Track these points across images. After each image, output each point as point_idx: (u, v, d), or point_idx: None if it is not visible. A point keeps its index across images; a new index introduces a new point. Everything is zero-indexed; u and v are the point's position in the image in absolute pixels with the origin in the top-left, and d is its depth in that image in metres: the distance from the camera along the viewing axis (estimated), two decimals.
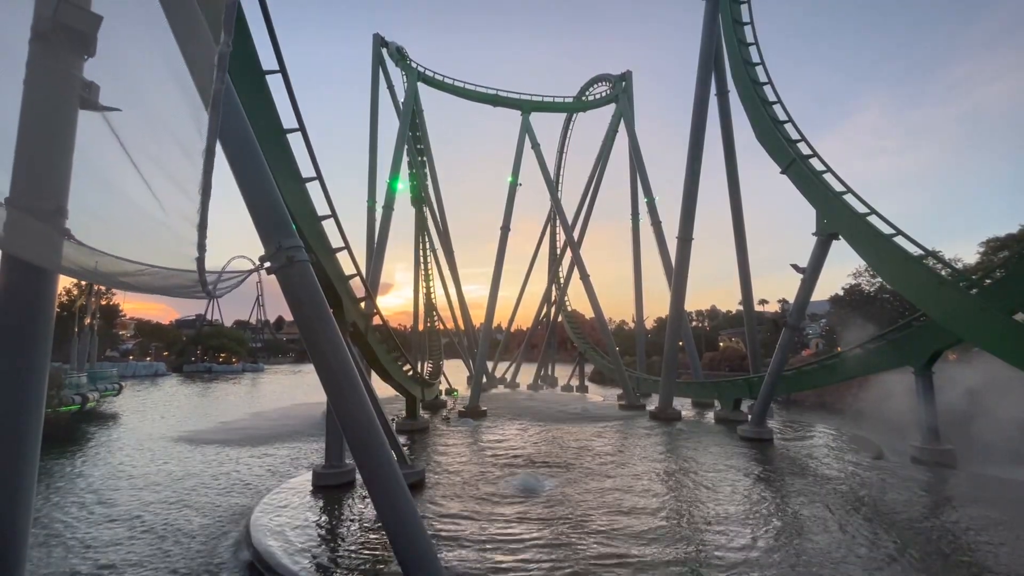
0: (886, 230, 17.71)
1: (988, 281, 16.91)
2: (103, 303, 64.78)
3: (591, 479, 14.71)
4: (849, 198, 19.06)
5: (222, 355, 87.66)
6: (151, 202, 2.91)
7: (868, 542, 9.82)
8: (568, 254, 43.89)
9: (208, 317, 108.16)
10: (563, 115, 48.19)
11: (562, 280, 49.33)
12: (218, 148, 3.04)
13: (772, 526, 10.79)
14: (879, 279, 38.48)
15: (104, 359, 66.32)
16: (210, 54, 2.95)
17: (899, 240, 17.45)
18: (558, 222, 45.56)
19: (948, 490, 14.04)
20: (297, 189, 11.97)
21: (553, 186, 40.37)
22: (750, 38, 25.05)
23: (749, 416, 22.98)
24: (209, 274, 3.18)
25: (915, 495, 13.33)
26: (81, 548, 9.79)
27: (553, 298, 51.14)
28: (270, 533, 9.94)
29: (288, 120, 11.20)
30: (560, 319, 51.81)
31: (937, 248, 30.33)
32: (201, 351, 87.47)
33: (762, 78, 23.70)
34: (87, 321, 39.46)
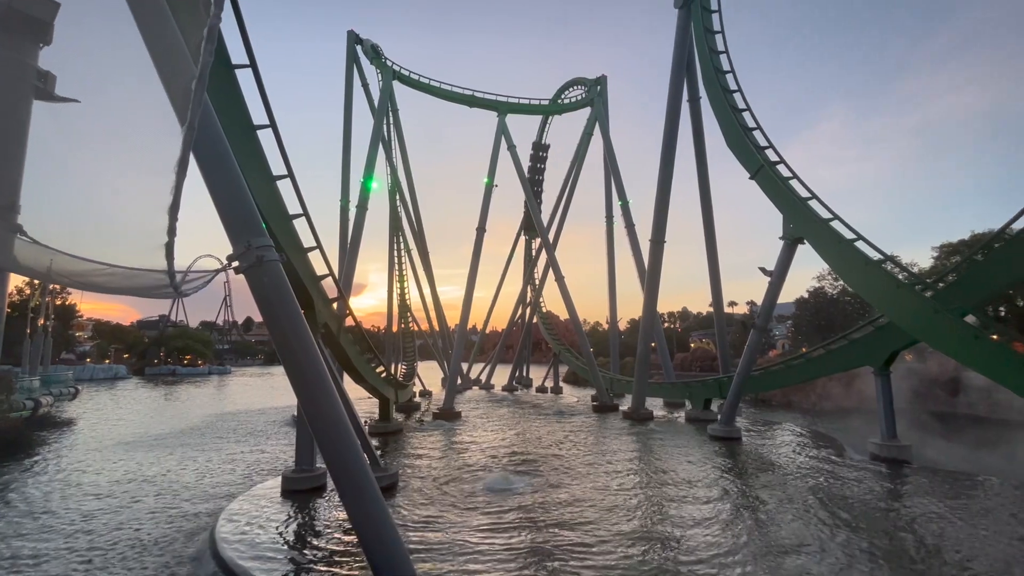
0: (848, 235, 18.40)
1: (941, 285, 17.75)
2: (58, 303, 61.86)
3: (565, 478, 14.80)
4: (814, 204, 19.73)
5: (187, 357, 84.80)
6: (114, 197, 2.78)
7: (825, 530, 10.38)
8: (543, 256, 44.14)
9: (172, 318, 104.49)
10: (539, 117, 48.46)
11: (537, 281, 49.55)
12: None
13: (739, 517, 11.09)
14: (841, 282, 39.93)
15: (59, 362, 63.33)
16: (176, 43, 2.84)
17: (860, 245, 18.16)
18: (533, 223, 45.78)
19: (900, 485, 14.67)
20: (267, 187, 11.68)
21: (529, 188, 40.55)
22: (721, 47, 25.71)
23: (719, 415, 23.53)
24: (176, 273, 3.06)
25: (870, 489, 13.89)
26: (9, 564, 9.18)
27: (528, 299, 51.31)
28: (236, 543, 9.63)
29: (258, 116, 10.93)
30: (535, 320, 52.02)
31: (895, 253, 31.80)
32: (164, 353, 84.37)
33: (732, 86, 24.34)
34: (41, 322, 37.64)
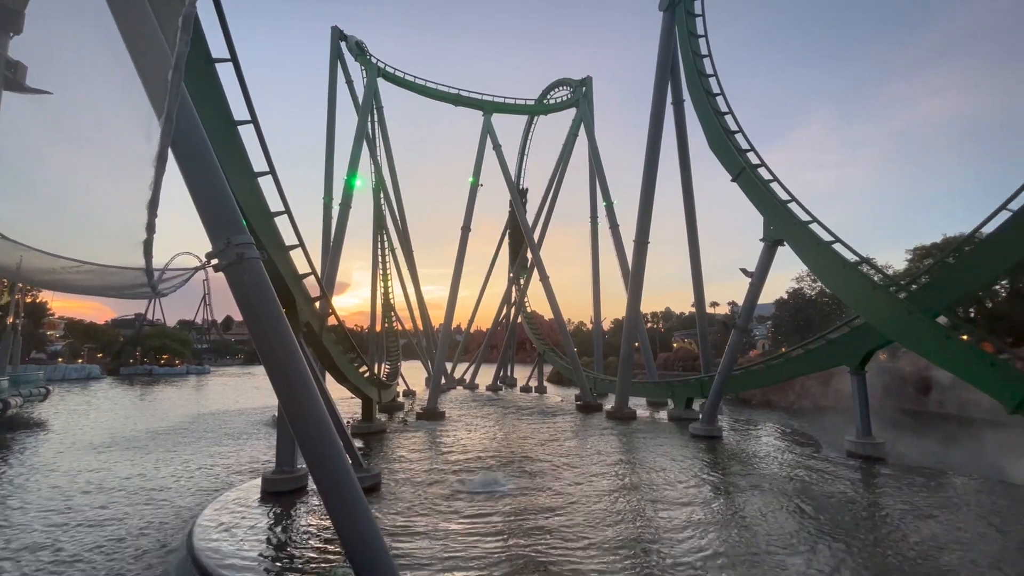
0: (826, 237, 18.80)
1: (914, 287, 18.26)
2: (28, 300, 59.97)
3: (549, 479, 14.85)
4: (793, 206, 20.11)
5: (164, 357, 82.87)
6: (88, 192, 2.70)
7: (802, 526, 10.67)
8: (528, 255, 44.21)
9: (149, 316, 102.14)
10: (525, 117, 48.52)
11: (522, 281, 49.60)
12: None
13: (719, 515, 11.29)
14: (819, 283, 40.78)
15: (29, 361, 61.41)
16: (153, 33, 2.76)
17: (837, 247, 18.56)
18: (519, 222, 45.81)
19: (874, 481, 15.07)
20: (249, 183, 11.50)
21: (514, 188, 40.55)
22: (704, 50, 26.04)
23: (701, 415, 23.84)
24: (153, 271, 2.97)
25: (845, 486, 14.25)
26: None
27: (513, 299, 51.34)
28: (213, 546, 9.46)
29: (240, 112, 10.75)
30: (520, 320, 52.06)
31: (871, 255, 32.61)
32: (140, 353, 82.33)
33: (715, 89, 24.67)
34: (9, 320, 36.43)
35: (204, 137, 5.23)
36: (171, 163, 5.16)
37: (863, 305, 17.17)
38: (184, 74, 5.71)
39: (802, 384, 36.30)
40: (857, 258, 18.62)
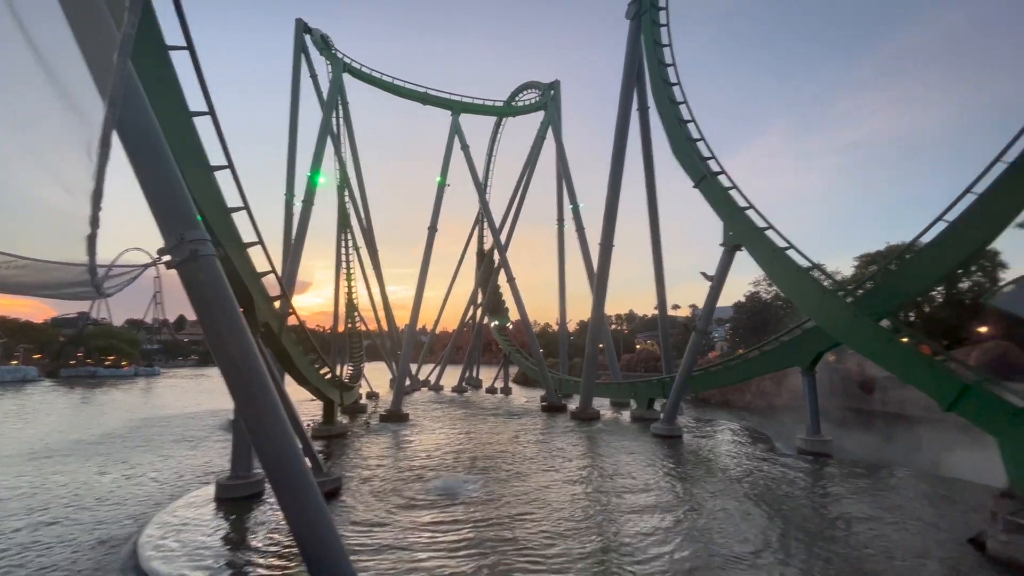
0: (781, 243, 19.60)
1: (861, 291, 19.25)
2: None
3: (514, 479, 14.88)
4: (751, 213, 20.85)
5: (110, 358, 78.42)
6: (26, 183, 2.51)
7: (754, 519, 11.08)
8: (495, 256, 44.20)
9: (94, 315, 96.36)
10: (493, 119, 48.53)
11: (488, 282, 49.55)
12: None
13: (677, 510, 11.59)
14: (775, 288, 42.46)
15: None
16: (99, 12, 2.59)
17: (791, 253, 19.38)
18: (486, 224, 45.78)
19: (821, 476, 15.83)
20: (205, 176, 11.02)
21: (482, 188, 40.46)
22: (669, 60, 26.70)
23: (662, 415, 24.40)
24: (99, 268, 2.78)
25: (793, 481, 14.92)
26: None
27: (479, 300, 51.19)
28: (161, 557, 9.01)
29: (196, 103, 10.28)
30: (486, 321, 51.97)
31: (822, 261, 34.19)
32: (84, 353, 77.61)
33: (679, 98, 25.33)
34: None
35: (156, 126, 4.98)
36: (122, 155, 4.90)
37: (814, 309, 17.99)
38: (136, 61, 5.43)
39: (758, 384, 37.70)
40: (809, 264, 19.49)
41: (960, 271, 35.90)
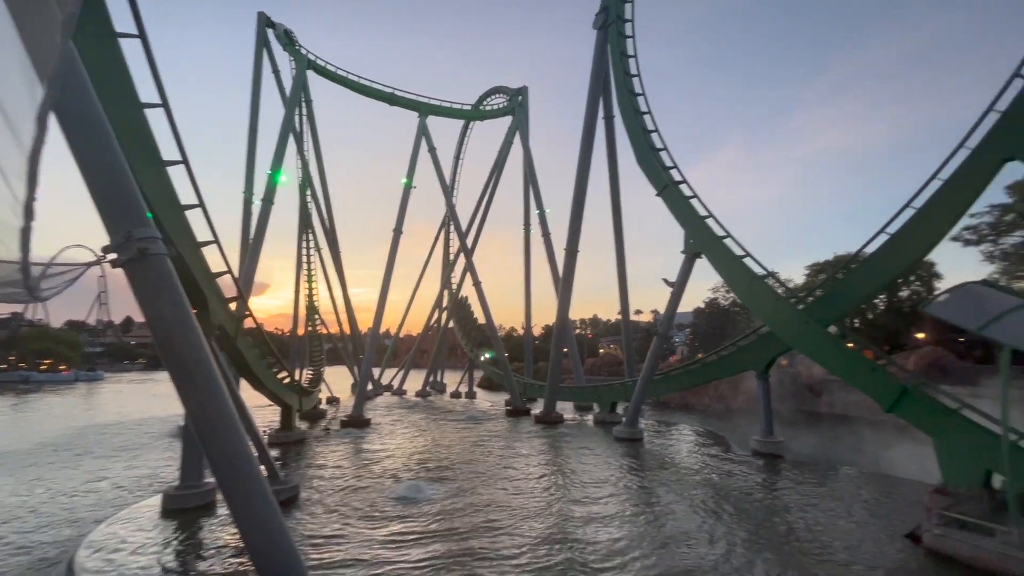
0: (738, 252, 20.34)
1: (811, 299, 20.18)
2: None
3: (477, 484, 14.79)
4: (711, 222, 21.57)
5: (47, 361, 73.39)
6: None
7: (709, 517, 11.38)
8: (461, 260, 43.98)
9: (29, 316, 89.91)
10: (461, 122, 48.35)
11: (454, 286, 49.23)
12: (51, 115, 2.49)
13: (636, 511, 11.82)
14: (733, 294, 43.95)
15: None
16: None
17: (747, 261, 20.15)
18: (452, 227, 45.52)
19: (773, 476, 16.48)
20: (156, 171, 10.52)
21: (449, 191, 40.23)
22: (634, 70, 27.35)
23: (624, 418, 24.80)
24: (33, 266, 2.54)
25: (748, 480, 15.48)
26: None
27: (445, 303, 50.76)
28: (100, 574, 8.46)
29: (148, 94, 9.80)
30: (451, 325, 51.55)
31: (775, 269, 35.48)
32: (17, 357, 72.35)
33: (643, 108, 25.97)
34: None
35: (101, 114, 4.71)
36: (65, 149, 4.60)
37: (768, 315, 18.75)
38: (81, 47, 5.12)
39: (716, 387, 38.84)
40: (764, 271, 20.29)
41: (900, 280, 38.18)
